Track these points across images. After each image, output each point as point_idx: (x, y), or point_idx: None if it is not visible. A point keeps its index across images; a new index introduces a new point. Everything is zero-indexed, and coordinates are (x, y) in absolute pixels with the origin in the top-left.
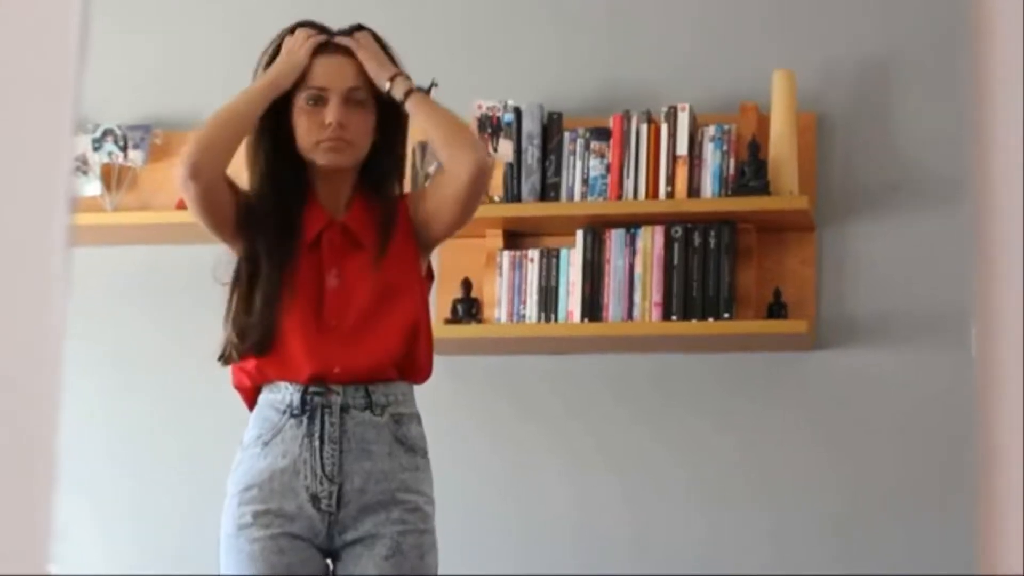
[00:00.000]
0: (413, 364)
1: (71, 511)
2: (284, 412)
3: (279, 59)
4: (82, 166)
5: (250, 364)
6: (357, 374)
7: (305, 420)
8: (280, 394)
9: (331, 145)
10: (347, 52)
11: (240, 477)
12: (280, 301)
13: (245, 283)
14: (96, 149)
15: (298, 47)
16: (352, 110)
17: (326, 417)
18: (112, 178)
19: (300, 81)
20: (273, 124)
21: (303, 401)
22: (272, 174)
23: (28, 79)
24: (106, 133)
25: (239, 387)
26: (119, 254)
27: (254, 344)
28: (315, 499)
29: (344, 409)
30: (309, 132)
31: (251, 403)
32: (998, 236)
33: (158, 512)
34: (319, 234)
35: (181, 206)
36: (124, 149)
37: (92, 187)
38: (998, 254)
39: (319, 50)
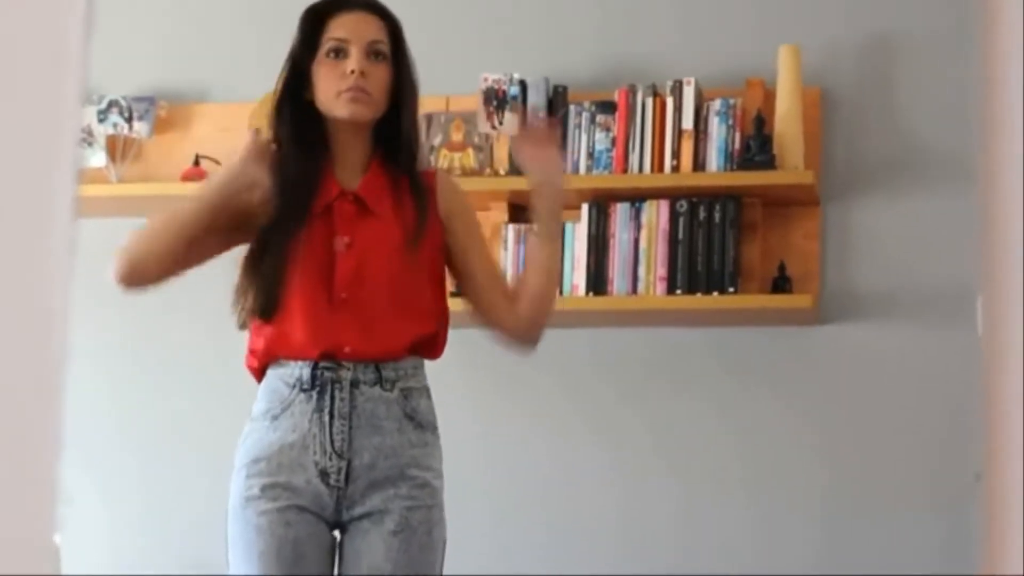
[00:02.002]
0: (433, 346)
1: (77, 489)
2: (294, 386)
3: (218, 171)
4: (87, 137)
5: (259, 344)
6: (369, 354)
7: (315, 395)
8: (289, 368)
9: (353, 95)
10: (369, 9)
11: (248, 450)
12: (287, 266)
13: (257, 250)
14: (101, 120)
15: (240, 153)
16: (373, 63)
17: (336, 392)
18: (117, 150)
19: (318, 39)
20: (295, 87)
21: (313, 376)
22: (297, 137)
23: (34, 50)
24: (111, 104)
25: (249, 368)
26: (124, 226)
27: (260, 304)
28: (324, 474)
29: (354, 384)
30: (330, 83)
31: (260, 379)
32: (1004, 213)
33: (166, 490)
34: (330, 204)
35: (185, 178)
36: (129, 120)
37: (97, 158)
38: (1004, 231)
39: (339, 6)
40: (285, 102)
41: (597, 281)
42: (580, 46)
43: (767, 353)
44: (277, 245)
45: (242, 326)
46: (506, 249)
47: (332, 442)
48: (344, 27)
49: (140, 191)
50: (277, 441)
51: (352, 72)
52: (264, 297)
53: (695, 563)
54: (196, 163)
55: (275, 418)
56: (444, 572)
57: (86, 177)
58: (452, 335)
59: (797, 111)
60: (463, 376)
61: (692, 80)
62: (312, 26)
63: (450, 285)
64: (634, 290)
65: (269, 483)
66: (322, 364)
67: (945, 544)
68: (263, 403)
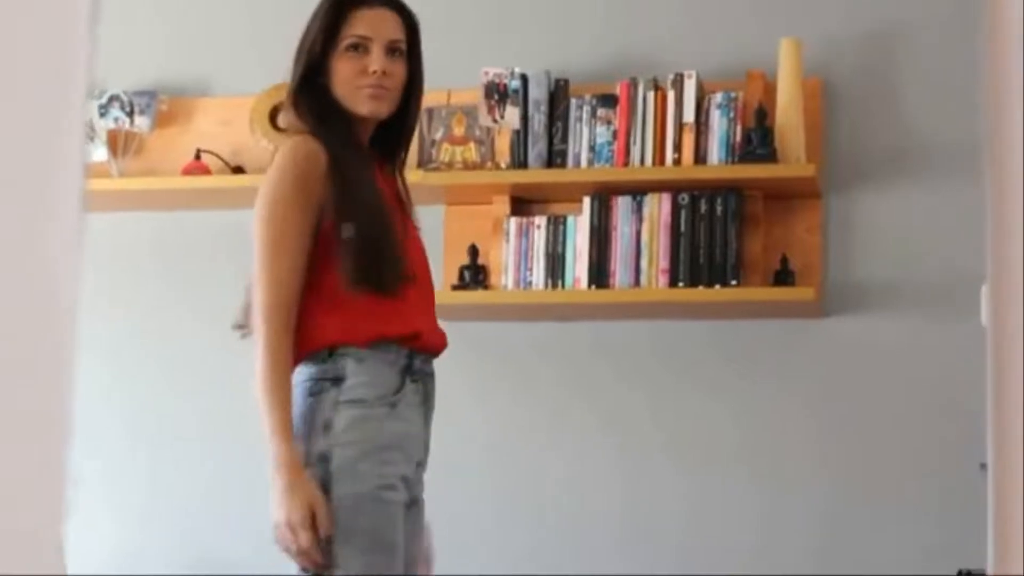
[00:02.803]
0: None
1: (79, 477)
2: (402, 374)
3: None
4: (88, 132)
5: (362, 319)
6: (439, 347)
7: (421, 387)
8: (392, 354)
9: (374, 92)
10: (390, 5)
11: (372, 435)
12: (405, 246)
13: (366, 227)
14: (102, 115)
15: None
16: (392, 61)
17: (431, 387)
18: (118, 144)
19: (339, 32)
20: (313, 73)
21: (416, 367)
22: (332, 127)
23: (39, 43)
24: (112, 99)
25: (319, 340)
26: (125, 220)
27: (393, 276)
28: (418, 466)
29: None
30: (350, 79)
31: (318, 349)
32: (1012, 203)
33: (171, 481)
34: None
35: (186, 172)
36: (130, 115)
37: (98, 153)
38: (1012, 220)
39: (362, 1)
40: (306, 90)
41: (599, 274)
42: (581, 39)
43: (770, 346)
44: (386, 223)
45: (386, 289)
46: (508, 242)
47: (427, 435)
48: (366, 23)
49: (141, 185)
50: (400, 431)
51: (374, 72)
52: (397, 269)
53: (698, 555)
54: (197, 157)
55: (393, 406)
56: (441, 569)
57: (87, 172)
58: (455, 328)
59: (798, 103)
60: (465, 369)
61: (693, 73)
62: (334, 18)
63: (455, 279)
64: (636, 283)
65: (402, 474)
66: (419, 354)
67: (950, 535)
68: (374, 388)
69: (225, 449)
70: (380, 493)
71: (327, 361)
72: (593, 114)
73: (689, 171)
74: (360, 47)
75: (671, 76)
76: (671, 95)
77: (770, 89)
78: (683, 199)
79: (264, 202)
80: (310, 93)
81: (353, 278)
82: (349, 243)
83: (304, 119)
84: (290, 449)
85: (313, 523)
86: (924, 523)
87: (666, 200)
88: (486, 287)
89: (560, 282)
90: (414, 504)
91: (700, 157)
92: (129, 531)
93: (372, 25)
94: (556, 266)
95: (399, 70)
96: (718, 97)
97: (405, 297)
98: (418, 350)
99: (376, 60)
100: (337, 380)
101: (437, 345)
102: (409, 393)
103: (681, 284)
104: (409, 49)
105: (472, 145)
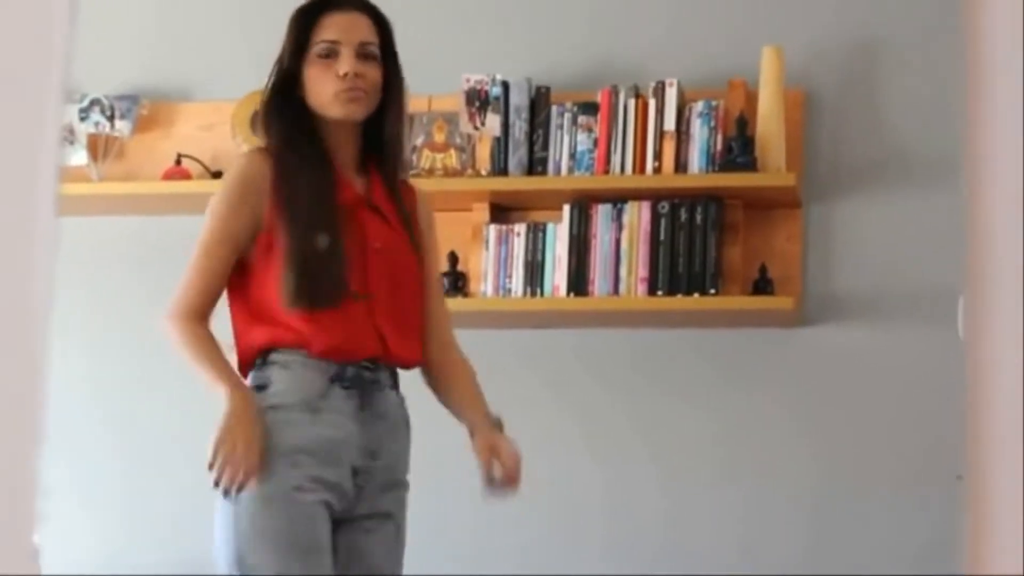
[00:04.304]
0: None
1: (57, 481)
2: (332, 381)
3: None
4: (68, 136)
5: (290, 331)
6: (401, 360)
7: (356, 394)
8: (325, 363)
9: (349, 96)
10: (359, 8)
11: (288, 439)
12: (345, 259)
13: (298, 241)
14: (83, 119)
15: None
16: (364, 63)
17: (376, 393)
18: (99, 148)
19: (309, 39)
20: (286, 86)
21: (355, 376)
22: (296, 136)
23: (16, 47)
24: (93, 103)
25: (248, 345)
26: (105, 224)
27: (324, 294)
28: (355, 472)
29: (387, 386)
30: (323, 84)
31: (257, 358)
32: (989, 215)
33: (149, 486)
34: (350, 206)
35: (167, 176)
36: (111, 119)
37: (78, 157)
38: (989, 232)
39: (329, 5)
40: (277, 102)
41: (578, 282)
42: (562, 47)
43: (749, 355)
44: (328, 238)
45: (307, 306)
46: (487, 249)
47: (369, 442)
48: (334, 28)
49: (121, 190)
50: (319, 435)
51: (344, 75)
52: (329, 287)
53: (679, 562)
54: (178, 162)
55: (315, 411)
56: (428, 570)
57: (67, 175)
58: None
59: (780, 113)
60: None
61: (675, 81)
62: (303, 27)
63: (446, 283)
64: (615, 291)
65: (315, 475)
66: (363, 363)
67: (927, 543)
68: (296, 393)
69: (205, 453)
70: (292, 494)
71: (260, 368)
72: (574, 121)
73: (669, 179)
74: (331, 52)
75: (652, 84)
76: (652, 103)
77: (751, 98)
78: (663, 207)
79: (207, 211)
80: (278, 106)
81: (285, 296)
82: (285, 260)
83: (264, 133)
84: (230, 394)
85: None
86: (900, 532)
87: (646, 208)
88: (465, 294)
89: (539, 290)
90: (363, 515)
91: (680, 165)
92: (109, 533)
93: (341, 29)
94: (535, 274)
95: (372, 72)
96: (699, 105)
97: (345, 310)
98: (349, 361)
99: (346, 62)
100: (263, 387)
101: (394, 358)
102: (337, 400)
103: (660, 293)
104: (384, 51)
105: (453, 152)
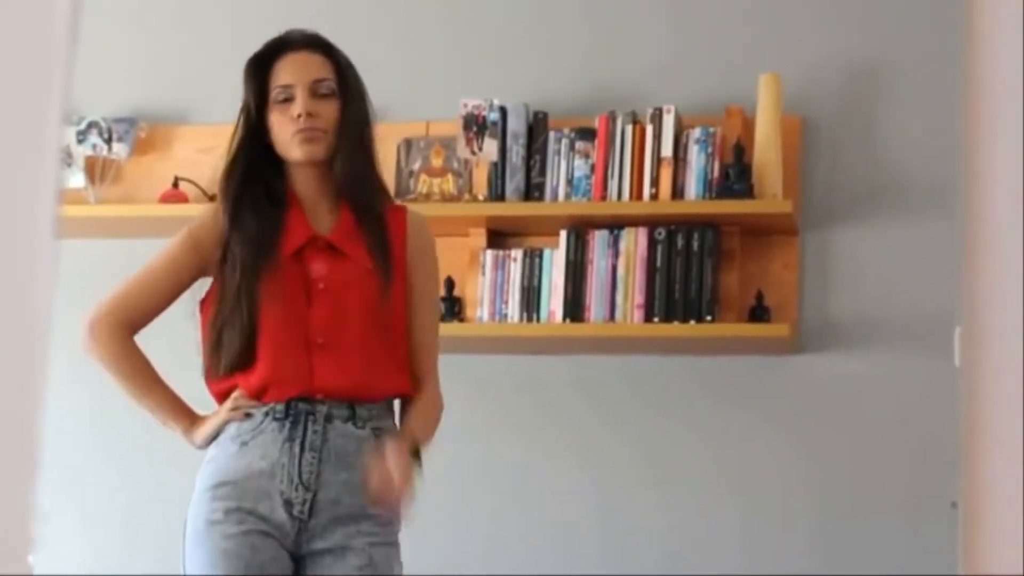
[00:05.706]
0: (407, 386)
1: (54, 504)
2: (266, 415)
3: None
4: (66, 158)
5: (229, 384)
6: (345, 395)
7: (288, 425)
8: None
9: (304, 136)
10: (311, 48)
11: (213, 473)
12: (258, 318)
13: (224, 303)
14: (80, 141)
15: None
16: (320, 101)
17: (309, 424)
18: (96, 171)
19: (268, 85)
20: (254, 136)
21: (287, 408)
22: (255, 186)
23: (16, 69)
24: (91, 125)
25: (211, 390)
26: (101, 247)
27: (235, 362)
28: (288, 504)
29: (328, 419)
30: (282, 128)
31: (221, 402)
32: (986, 243)
33: (143, 506)
34: (300, 249)
35: (164, 200)
36: (108, 142)
37: (76, 179)
38: (986, 261)
39: (283, 48)
40: (240, 156)
41: (574, 308)
42: (560, 73)
43: (745, 382)
44: (247, 295)
45: (212, 377)
46: (484, 275)
47: (300, 473)
48: (286, 71)
49: (118, 212)
50: (245, 467)
51: (299, 116)
52: (239, 355)
53: None
54: (175, 185)
55: (244, 444)
56: None
57: (64, 198)
58: None
59: (777, 140)
60: None
61: (672, 108)
62: (258, 76)
63: (440, 308)
64: (611, 317)
65: (235, 507)
66: (297, 398)
67: (922, 570)
68: (231, 428)
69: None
70: (210, 528)
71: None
72: (571, 147)
73: (666, 206)
74: (287, 96)
75: (650, 110)
76: (649, 129)
77: (748, 125)
78: (660, 234)
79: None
80: (237, 164)
81: (203, 364)
82: (203, 329)
83: (219, 194)
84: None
85: None
86: (895, 559)
87: (643, 234)
88: (461, 319)
89: (535, 315)
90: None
91: (677, 192)
92: (99, 551)
93: (292, 71)
94: (531, 299)
95: (328, 110)
96: (696, 132)
97: (273, 356)
98: (279, 400)
99: (299, 104)
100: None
101: (332, 394)
102: (269, 432)
103: (656, 319)
104: (340, 85)
105: (450, 177)
